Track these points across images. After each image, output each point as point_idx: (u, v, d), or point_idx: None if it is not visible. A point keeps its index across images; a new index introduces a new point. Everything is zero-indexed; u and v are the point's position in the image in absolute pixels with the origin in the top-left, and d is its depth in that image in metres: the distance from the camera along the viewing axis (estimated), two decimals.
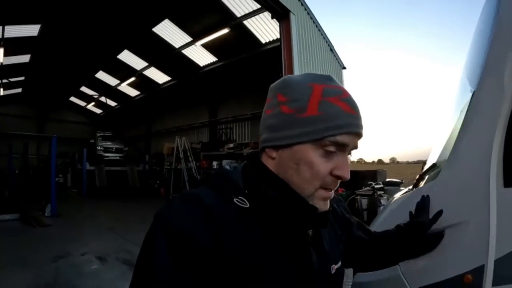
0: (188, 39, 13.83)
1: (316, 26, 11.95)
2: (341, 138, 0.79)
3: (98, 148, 19.60)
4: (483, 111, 1.55)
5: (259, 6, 10.36)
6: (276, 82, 0.92)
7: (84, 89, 23.21)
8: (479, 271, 1.43)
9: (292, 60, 9.35)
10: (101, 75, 19.80)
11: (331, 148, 0.80)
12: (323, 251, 0.97)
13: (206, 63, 15.62)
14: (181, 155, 15.75)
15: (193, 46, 14.13)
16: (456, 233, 1.51)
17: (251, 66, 13.98)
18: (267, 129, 0.89)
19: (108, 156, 19.51)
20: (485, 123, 1.53)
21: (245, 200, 0.83)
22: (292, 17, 9.60)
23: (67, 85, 21.85)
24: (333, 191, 0.87)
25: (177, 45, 14.42)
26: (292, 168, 0.84)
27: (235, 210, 0.81)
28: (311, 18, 11.40)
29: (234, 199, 0.82)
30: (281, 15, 9.59)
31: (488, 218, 1.42)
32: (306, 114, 0.81)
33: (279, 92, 0.88)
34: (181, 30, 13.35)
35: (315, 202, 0.84)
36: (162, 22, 12.93)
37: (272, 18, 9.87)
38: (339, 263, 1.05)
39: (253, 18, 11.60)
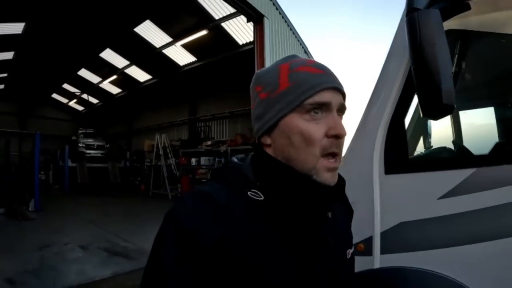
0: (168, 39, 14.24)
1: (291, 29, 12.49)
2: (318, 97, 0.81)
3: (80, 145, 19.81)
4: (372, 112, 2.13)
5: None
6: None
7: (66, 86, 23.16)
8: (368, 241, 1.99)
9: (264, 62, 9.89)
10: (84, 73, 19.89)
11: (315, 110, 0.81)
12: (339, 235, 0.97)
13: (186, 63, 16.04)
14: (161, 152, 16.14)
15: (173, 46, 14.54)
16: (356, 207, 2.07)
17: (229, 66, 14.43)
18: (256, 120, 0.92)
19: (89, 153, 19.74)
20: (372, 122, 2.10)
21: (258, 192, 0.82)
22: (266, 21, 10.13)
23: (49, 82, 21.79)
24: (338, 160, 0.85)
25: (157, 44, 14.80)
26: (287, 145, 0.84)
27: (247, 204, 0.80)
28: (285, 21, 11.95)
29: (248, 193, 0.82)
30: (256, 19, 10.10)
31: (373, 198, 1.98)
32: (280, 89, 0.84)
33: (255, 86, 0.93)
34: (161, 31, 13.74)
35: (321, 175, 0.82)
36: (144, 23, 13.28)
37: (248, 21, 10.40)
38: (353, 248, 1.05)
39: (230, 21, 12.09)
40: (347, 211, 1.14)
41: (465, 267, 1.66)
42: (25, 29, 13.45)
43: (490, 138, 2.18)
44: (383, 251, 1.93)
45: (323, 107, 0.82)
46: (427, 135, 2.65)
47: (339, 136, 0.81)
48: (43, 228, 8.14)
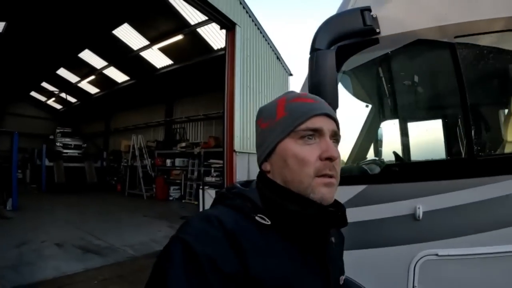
0: (145, 42, 14.46)
1: (263, 37, 12.94)
2: (310, 123, 0.88)
3: (57, 144, 19.75)
4: None
5: None
6: None
7: (45, 84, 22.95)
8: None
9: (234, 68, 10.32)
10: (63, 72, 19.75)
11: (309, 136, 0.88)
12: (335, 261, 1.01)
13: (163, 65, 16.27)
14: (137, 153, 16.34)
15: (150, 49, 14.78)
16: None
17: (204, 70, 14.71)
18: (257, 149, 1.00)
19: (67, 153, 19.71)
20: None
21: (265, 217, 0.84)
22: (238, 29, 10.54)
23: (28, 80, 21.58)
24: (334, 178, 0.88)
25: (135, 47, 15.01)
26: (283, 168, 0.89)
27: (256, 228, 0.82)
28: (258, 29, 12.40)
29: (255, 217, 0.84)
30: (228, 27, 10.48)
31: None
32: (277, 119, 0.92)
33: (257, 119, 1.02)
34: (139, 34, 13.96)
35: (317, 191, 0.85)
36: (122, 26, 13.47)
37: (221, 29, 10.78)
38: (344, 276, 1.08)
39: (206, 27, 12.42)
40: (340, 238, 1.16)
41: (370, 268, 2.09)
42: (5, 28, 13.49)
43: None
44: None
45: (316, 133, 0.88)
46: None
47: (332, 159, 0.86)
48: (21, 227, 8.40)
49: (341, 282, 1.02)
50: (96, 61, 17.44)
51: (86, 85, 21.21)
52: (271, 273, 0.76)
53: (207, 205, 7.54)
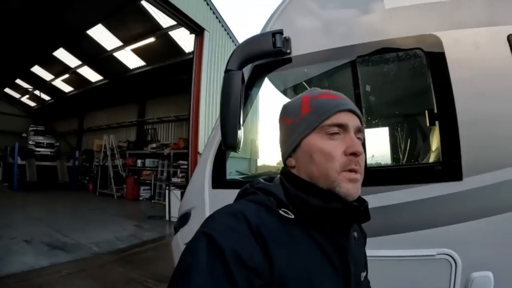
0: (119, 43, 14.59)
1: (233, 41, 13.20)
2: (335, 118, 0.88)
3: (30, 142, 19.60)
4: (208, 144, 2.96)
5: None
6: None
7: (19, 81, 22.64)
8: None
9: (201, 72, 10.60)
10: (37, 70, 19.57)
11: (333, 130, 0.88)
12: (355, 257, 0.97)
13: (135, 66, 16.40)
14: (108, 153, 16.40)
15: (123, 50, 14.92)
16: (194, 212, 2.92)
17: (175, 72, 14.87)
18: (281, 145, 1.01)
19: (39, 151, 19.53)
20: (207, 151, 2.93)
21: (288, 211, 0.85)
22: (206, 34, 10.82)
23: (2, 76, 21.28)
24: (359, 174, 0.89)
25: (109, 47, 15.11)
26: (309, 163, 0.89)
27: (280, 222, 0.83)
28: (228, 34, 12.70)
29: (279, 211, 0.85)
30: (197, 31, 10.77)
31: (204, 206, 2.83)
32: (302, 115, 0.93)
33: (282, 115, 1.03)
34: (113, 35, 14.09)
35: (343, 186, 0.86)
36: (96, 26, 13.56)
37: (190, 33, 11.05)
38: (366, 271, 1.07)
39: (177, 30, 12.63)
40: (363, 233, 1.16)
41: None
42: None
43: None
44: None
45: (341, 128, 0.89)
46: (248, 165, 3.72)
47: (356, 154, 0.86)
48: None
49: (362, 279, 1.01)
50: (70, 60, 17.36)
51: (60, 83, 21.02)
52: (295, 267, 0.77)
53: (173, 206, 8.92)
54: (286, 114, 1.00)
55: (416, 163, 2.98)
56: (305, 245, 0.83)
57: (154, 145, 16.19)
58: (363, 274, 1.03)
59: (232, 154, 2.82)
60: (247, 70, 2.66)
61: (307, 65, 2.72)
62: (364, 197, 0.97)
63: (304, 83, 3.47)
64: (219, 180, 2.80)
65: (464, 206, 2.03)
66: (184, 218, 3.00)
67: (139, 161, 16.13)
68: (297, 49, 2.57)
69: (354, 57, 2.47)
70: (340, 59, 2.57)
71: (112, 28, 13.69)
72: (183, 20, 10.18)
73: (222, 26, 12.23)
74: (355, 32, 2.52)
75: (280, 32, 2.52)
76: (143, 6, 11.49)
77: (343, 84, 2.72)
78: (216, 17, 11.73)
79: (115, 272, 5.61)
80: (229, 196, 2.52)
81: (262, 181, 0.98)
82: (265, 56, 2.58)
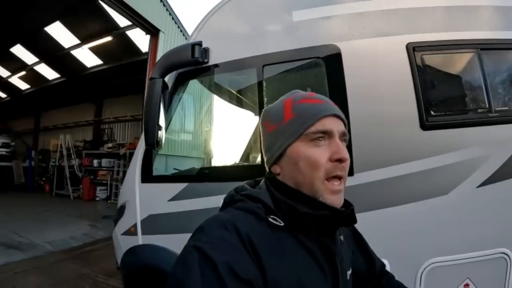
0: (77, 41, 14.34)
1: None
2: (320, 125, 0.88)
3: None
4: (139, 142, 3.16)
5: None
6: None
7: None
8: (135, 226, 3.07)
9: None
10: None
11: (319, 138, 0.88)
12: (342, 259, 0.98)
13: (93, 65, 16.18)
14: (64, 153, 16.07)
15: (81, 48, 14.69)
16: (128, 205, 3.13)
17: (132, 72, 14.66)
18: (265, 152, 0.99)
19: None
20: (137, 149, 3.17)
21: (277, 218, 0.85)
22: (161, 35, 10.89)
23: None
24: (342, 183, 0.89)
25: (66, 45, 14.82)
26: (294, 171, 0.89)
27: (270, 230, 0.83)
28: (183, 35, 12.76)
29: (268, 218, 0.85)
30: (152, 32, 10.82)
31: (135, 199, 3.07)
32: (285, 121, 0.91)
33: (263, 120, 1.01)
34: (70, 33, 13.84)
35: (326, 197, 0.86)
36: (54, 23, 13.29)
37: (146, 34, 11.08)
38: (351, 269, 1.06)
39: (134, 30, 12.55)
40: (348, 232, 1.17)
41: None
42: None
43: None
44: (143, 232, 2.98)
45: (326, 134, 0.88)
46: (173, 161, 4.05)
47: (342, 160, 0.86)
48: None
49: (348, 277, 1.02)
50: (27, 57, 16.83)
51: (16, 81, 20.29)
52: (287, 273, 0.78)
53: None
54: (268, 120, 0.99)
55: None
56: (295, 251, 0.85)
57: (110, 144, 16.00)
58: (349, 272, 1.03)
59: (160, 152, 3.12)
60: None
61: (224, 73, 3.08)
62: None
63: (227, 88, 4.02)
64: (147, 175, 3.06)
65: (355, 199, 2.30)
66: (121, 210, 3.23)
67: (95, 161, 15.84)
68: (215, 59, 2.89)
69: (261, 66, 2.76)
70: (251, 68, 2.87)
71: (70, 26, 13.44)
72: (138, 20, 10.24)
73: (178, 27, 12.33)
74: (266, 42, 2.81)
75: (199, 44, 2.85)
76: (101, 5, 11.36)
77: (252, 91, 3.07)
78: (172, 18, 11.82)
79: (67, 268, 5.79)
80: (155, 190, 2.90)
81: (249, 187, 0.98)
82: (184, 66, 2.91)
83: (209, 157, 4.72)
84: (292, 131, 0.89)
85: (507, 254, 2.36)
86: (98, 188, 15.32)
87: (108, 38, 13.45)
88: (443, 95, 2.60)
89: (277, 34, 2.83)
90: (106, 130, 19.09)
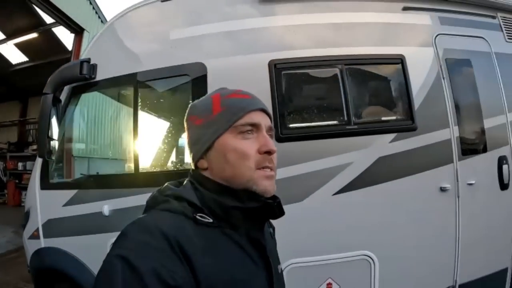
0: (2, 36, 13.49)
1: None
2: (248, 118, 0.90)
3: None
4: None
5: None
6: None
7: None
8: (37, 229, 3.26)
9: None
10: None
11: (247, 131, 0.89)
12: (272, 252, 0.99)
13: (18, 62, 15.34)
14: None
15: (5, 44, 13.83)
16: (31, 210, 3.33)
17: None
18: (192, 146, 0.97)
19: None
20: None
21: (205, 216, 0.83)
22: (85, 34, 10.46)
23: None
24: (273, 171, 0.92)
25: None
26: (223, 163, 0.88)
27: (198, 228, 0.80)
28: None
29: (196, 217, 0.82)
30: (76, 31, 10.42)
31: (36, 205, 3.26)
32: (214, 114, 0.91)
33: (189, 115, 1.01)
34: None
35: (259, 183, 0.87)
36: None
37: (71, 33, 10.64)
38: (281, 264, 1.08)
39: (60, 27, 11.81)
40: (272, 228, 1.19)
41: (84, 250, 2.98)
42: None
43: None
44: (45, 236, 3.19)
45: (254, 127, 0.90)
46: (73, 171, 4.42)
47: (270, 152, 0.89)
48: None
49: (279, 271, 1.04)
50: None
51: None
52: (219, 272, 0.76)
53: None
54: (195, 114, 0.98)
55: None
56: (226, 248, 0.83)
57: (35, 146, 15.03)
58: (279, 266, 1.05)
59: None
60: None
61: (110, 88, 3.51)
62: None
63: (115, 101, 4.63)
64: (45, 182, 3.31)
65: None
66: (27, 216, 3.44)
67: (20, 164, 15.06)
68: (101, 75, 3.15)
69: (137, 83, 3.03)
70: (129, 84, 3.16)
71: None
72: (62, 18, 9.78)
73: None
74: (144, 60, 3.03)
75: (87, 61, 3.13)
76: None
77: (131, 105, 3.21)
78: (99, 17, 11.40)
79: None
80: (52, 196, 3.29)
81: (172, 187, 0.94)
82: (74, 81, 3.20)
83: (95, 164, 5.23)
84: (222, 123, 0.89)
85: (370, 257, 2.60)
86: (24, 193, 14.25)
87: (34, 35, 12.78)
88: (300, 109, 2.86)
89: (155, 52, 3.03)
90: (31, 131, 18.03)
